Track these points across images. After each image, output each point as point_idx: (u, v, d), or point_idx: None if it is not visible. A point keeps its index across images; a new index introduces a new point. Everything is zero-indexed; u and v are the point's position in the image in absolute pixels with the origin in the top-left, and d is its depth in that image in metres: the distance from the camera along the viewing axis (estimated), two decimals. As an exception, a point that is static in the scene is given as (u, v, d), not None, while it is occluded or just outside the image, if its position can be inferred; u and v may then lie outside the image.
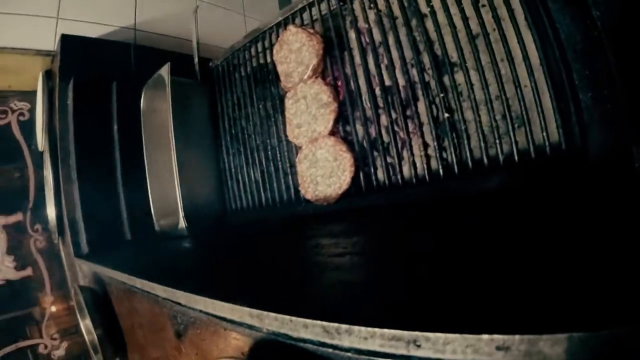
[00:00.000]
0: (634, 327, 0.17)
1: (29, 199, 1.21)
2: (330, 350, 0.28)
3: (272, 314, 0.29)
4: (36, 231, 1.20)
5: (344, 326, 0.25)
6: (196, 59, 1.13)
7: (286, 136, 0.90)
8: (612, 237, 0.31)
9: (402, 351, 0.22)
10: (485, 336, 0.19)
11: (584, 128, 0.51)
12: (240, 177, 1.06)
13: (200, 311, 0.41)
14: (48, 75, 1.20)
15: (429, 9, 0.73)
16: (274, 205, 0.96)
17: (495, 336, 0.19)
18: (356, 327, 0.24)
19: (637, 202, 0.37)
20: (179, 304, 0.46)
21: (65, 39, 1.14)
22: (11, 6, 1.23)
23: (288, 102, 0.88)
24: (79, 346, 1.19)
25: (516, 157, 0.62)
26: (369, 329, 0.23)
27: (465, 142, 0.69)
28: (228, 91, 1.11)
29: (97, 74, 1.11)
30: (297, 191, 0.90)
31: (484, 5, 0.66)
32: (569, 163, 0.55)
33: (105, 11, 1.41)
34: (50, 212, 1.11)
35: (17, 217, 1.18)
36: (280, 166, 0.94)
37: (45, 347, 1.16)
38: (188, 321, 0.49)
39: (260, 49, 1.03)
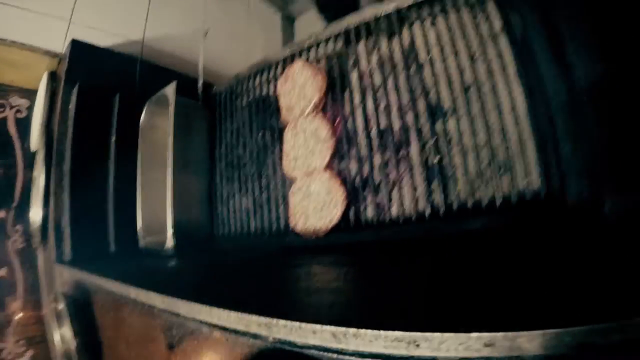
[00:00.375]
0: (593, 325, 0.21)
1: (14, 198, 1.19)
2: (334, 355, 0.31)
3: (282, 321, 0.32)
4: (16, 232, 1.18)
5: (352, 330, 0.28)
6: (201, 82, 1.18)
7: (282, 168, 0.95)
8: (576, 265, 0.36)
9: (402, 352, 0.26)
10: (474, 334, 0.23)
11: (563, 177, 0.57)
12: (231, 204, 1.08)
13: (201, 322, 0.44)
14: (52, 76, 1.23)
15: (428, 60, 0.80)
16: (262, 234, 0.98)
17: (483, 334, 0.23)
18: (363, 331, 0.27)
19: (603, 242, 0.42)
20: (178, 314, 0.48)
21: (76, 44, 1.18)
22: (27, 1, 1.25)
23: (287, 135, 0.93)
24: (44, 356, 1.15)
25: (499, 202, 0.68)
26: (375, 331, 0.27)
27: (452, 185, 0.74)
28: (228, 118, 1.15)
29: (101, 83, 1.14)
30: (286, 223, 0.93)
31: (477, 59, 0.74)
32: (547, 208, 0.60)
33: (116, 21, 1.44)
34: (35, 214, 1.10)
35: (-1, 214, 1.17)
36: (272, 196, 0.98)
37: (9, 352, 1.12)
38: (185, 333, 0.50)
39: (264, 80, 1.09)
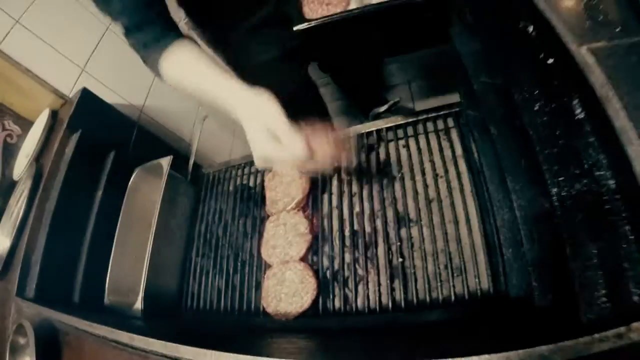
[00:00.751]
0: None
1: None
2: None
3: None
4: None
5: None
6: (191, 161, 1.27)
7: (259, 253, 1.01)
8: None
9: None
10: None
11: (506, 276, 0.67)
12: (203, 279, 1.10)
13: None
14: (53, 115, 1.29)
15: (399, 175, 0.95)
16: (231, 312, 1.00)
17: None
18: None
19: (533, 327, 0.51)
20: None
21: (86, 93, 1.27)
22: (50, 37, 1.35)
23: (269, 225, 1.01)
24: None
25: (453, 298, 0.77)
26: None
27: (413, 284, 0.82)
28: (213, 199, 1.24)
29: (100, 137, 1.21)
30: (257, 305, 0.97)
31: (441, 177, 0.89)
32: (494, 303, 0.69)
33: (123, 83, 1.56)
34: (1, 244, 1.09)
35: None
36: (246, 279, 1.02)
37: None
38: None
39: (253, 172, 1.21)
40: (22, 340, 0.88)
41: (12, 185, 1.26)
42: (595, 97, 0.44)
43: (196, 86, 0.75)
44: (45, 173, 1.13)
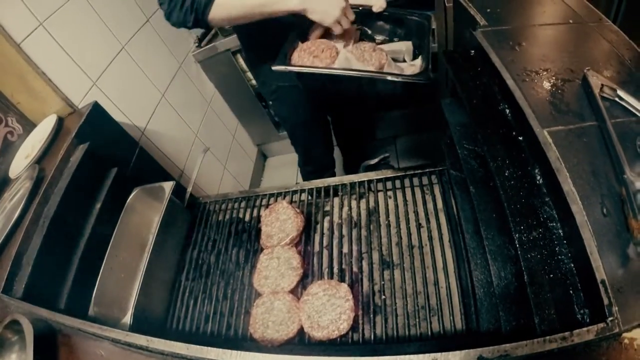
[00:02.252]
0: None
1: None
2: None
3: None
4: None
5: None
6: (189, 189, 1.37)
7: (250, 283, 1.11)
8: None
9: None
10: None
11: (478, 313, 0.81)
12: (191, 303, 1.17)
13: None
14: (59, 121, 1.34)
15: (386, 222, 1.10)
16: (218, 336, 1.07)
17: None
18: None
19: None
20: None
21: (97, 107, 1.34)
22: (69, 46, 1.41)
23: (263, 257, 1.12)
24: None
25: (429, 334, 0.89)
26: None
27: (394, 319, 0.95)
28: (208, 227, 1.34)
29: (105, 151, 1.28)
30: (244, 331, 1.05)
31: (422, 227, 1.05)
32: (467, 336, 0.82)
33: (129, 103, 1.63)
34: None
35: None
36: (235, 306, 1.10)
37: None
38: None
39: (250, 206, 1.33)
40: (11, 336, 0.90)
41: (5, 181, 1.30)
42: (550, 168, 0.62)
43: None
44: (47, 177, 1.17)
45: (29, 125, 1.39)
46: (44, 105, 1.37)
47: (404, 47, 1.13)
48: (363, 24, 1.19)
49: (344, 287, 0.99)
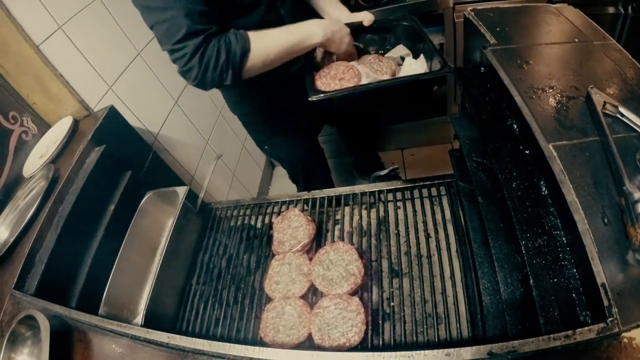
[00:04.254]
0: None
1: None
2: None
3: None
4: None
5: None
6: (202, 194, 1.41)
7: (261, 288, 1.16)
8: None
9: None
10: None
11: (484, 319, 0.86)
12: (201, 307, 1.22)
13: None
14: (75, 123, 1.39)
15: (395, 232, 1.16)
16: (227, 340, 1.11)
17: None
18: None
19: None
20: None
21: (113, 111, 1.39)
22: (87, 50, 1.45)
23: (274, 263, 1.17)
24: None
25: (436, 341, 0.94)
26: None
27: (402, 326, 1.00)
28: (219, 232, 1.39)
29: (120, 155, 1.33)
30: (254, 335, 1.10)
31: (431, 237, 1.10)
32: (474, 343, 0.86)
33: (143, 108, 1.67)
34: (0, 234, 1.16)
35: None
36: (245, 310, 1.15)
37: None
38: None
39: (262, 212, 1.38)
40: (25, 331, 0.93)
41: (17, 179, 1.35)
42: (555, 180, 0.68)
43: (277, 42, 1.07)
44: (62, 178, 1.21)
45: (43, 126, 1.44)
46: (59, 107, 1.42)
47: (403, 51, 1.28)
48: (355, 40, 1.30)
49: (356, 300, 1.03)
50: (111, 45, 1.61)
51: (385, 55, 1.30)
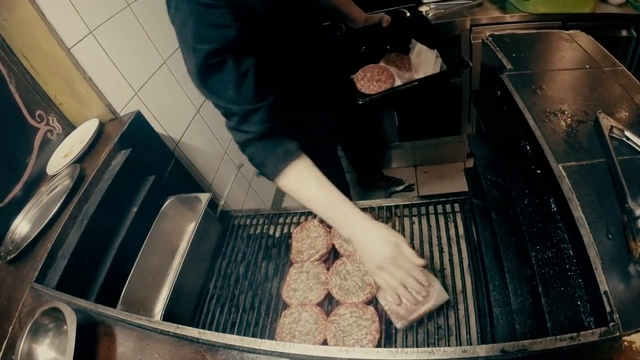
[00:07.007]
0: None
1: (3, 200, 1.29)
2: None
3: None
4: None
5: None
6: (222, 202, 1.49)
7: (278, 295, 1.23)
8: None
9: None
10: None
11: (494, 331, 0.93)
12: (217, 311, 1.28)
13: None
14: (101, 126, 1.46)
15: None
16: None
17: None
18: None
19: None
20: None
21: (139, 116, 1.48)
22: (115, 56, 1.56)
23: (293, 271, 1.24)
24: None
25: None
26: None
27: (413, 336, 1.06)
28: (238, 240, 1.46)
29: (144, 159, 1.41)
30: (270, 340, 1.16)
31: (444, 251, 1.18)
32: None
33: (166, 115, 1.79)
34: (22, 225, 1.23)
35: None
36: (262, 316, 1.22)
37: None
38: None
39: (281, 222, 1.46)
40: (48, 322, 0.98)
41: (40, 175, 1.43)
42: (563, 197, 0.76)
43: (311, 200, 1.07)
44: (87, 177, 1.29)
45: (68, 127, 1.53)
46: (85, 109, 1.51)
47: (422, 47, 1.45)
48: (379, 41, 1.51)
49: (371, 309, 1.09)
50: (138, 52, 1.71)
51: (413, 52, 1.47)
